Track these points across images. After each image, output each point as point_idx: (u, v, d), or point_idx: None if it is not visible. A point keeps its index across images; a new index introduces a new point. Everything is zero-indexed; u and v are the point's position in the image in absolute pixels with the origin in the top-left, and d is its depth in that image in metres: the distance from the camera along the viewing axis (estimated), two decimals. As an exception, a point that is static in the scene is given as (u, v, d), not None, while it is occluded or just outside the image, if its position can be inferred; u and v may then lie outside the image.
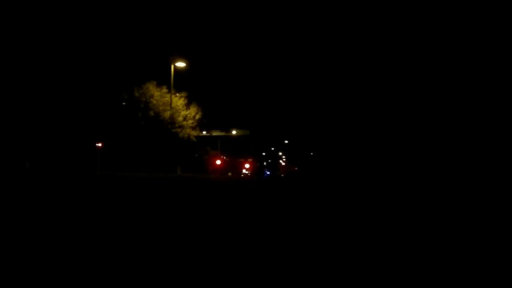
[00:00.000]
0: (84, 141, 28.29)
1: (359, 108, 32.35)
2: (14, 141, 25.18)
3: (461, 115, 21.82)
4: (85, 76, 29.02)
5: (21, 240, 3.44)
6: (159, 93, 31.12)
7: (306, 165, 59.02)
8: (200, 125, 33.57)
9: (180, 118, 31.53)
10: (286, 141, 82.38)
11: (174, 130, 30.90)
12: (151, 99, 30.71)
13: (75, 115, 28.31)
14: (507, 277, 2.67)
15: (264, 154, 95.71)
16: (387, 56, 27.61)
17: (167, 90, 30.97)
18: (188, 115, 32.20)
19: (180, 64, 29.15)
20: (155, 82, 31.20)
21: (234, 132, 52.22)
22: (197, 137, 34.48)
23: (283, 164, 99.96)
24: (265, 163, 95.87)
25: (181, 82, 31.53)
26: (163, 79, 31.05)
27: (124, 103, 30.84)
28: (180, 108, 31.71)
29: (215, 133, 48.59)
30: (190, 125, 32.21)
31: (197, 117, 32.69)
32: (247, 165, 73.06)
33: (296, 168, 75.06)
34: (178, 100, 31.70)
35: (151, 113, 30.66)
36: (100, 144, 26.93)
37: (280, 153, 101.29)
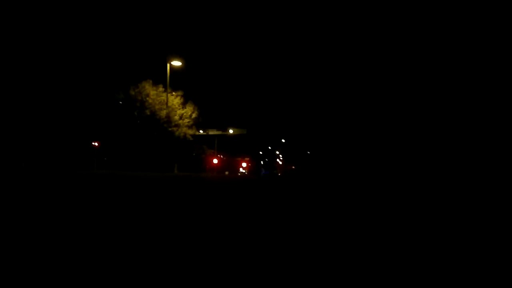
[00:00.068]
0: (81, 140, 28.25)
1: (356, 107, 32.35)
2: (10, 141, 25.11)
3: (461, 115, 21.82)
4: (81, 75, 28.96)
5: (20, 240, 3.46)
6: (155, 92, 31.08)
7: (303, 164, 59.03)
8: (197, 124, 33.56)
9: (176, 117, 31.52)
10: (283, 140, 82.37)
11: (170, 129, 30.88)
12: (147, 98, 30.67)
13: (71, 114, 28.26)
14: (507, 277, 2.66)
15: (261, 153, 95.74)
16: (385, 54, 27.63)
17: (163, 89, 30.96)
18: (184, 114, 32.18)
19: (176, 63, 29.19)
20: (151, 81, 31.18)
21: (231, 131, 52.16)
22: (194, 136, 34.46)
23: (280, 163, 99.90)
24: (262, 162, 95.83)
25: (177, 81, 31.58)
26: (159, 78, 31.11)
27: (120, 102, 30.78)
28: (176, 107, 31.70)
29: (211, 132, 48.61)
30: (186, 124, 32.20)
31: (193, 116, 32.68)
32: (244, 164, 72.99)
33: (293, 167, 75.05)
34: (174, 99, 31.69)
35: (147, 112, 30.62)
36: (96, 143, 26.90)
37: (277, 152, 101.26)
